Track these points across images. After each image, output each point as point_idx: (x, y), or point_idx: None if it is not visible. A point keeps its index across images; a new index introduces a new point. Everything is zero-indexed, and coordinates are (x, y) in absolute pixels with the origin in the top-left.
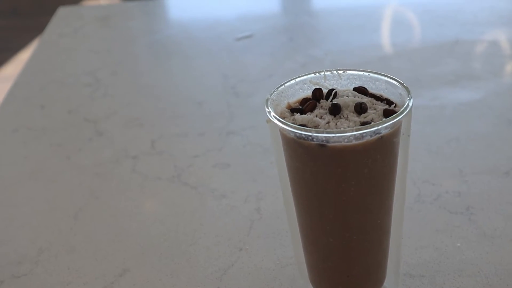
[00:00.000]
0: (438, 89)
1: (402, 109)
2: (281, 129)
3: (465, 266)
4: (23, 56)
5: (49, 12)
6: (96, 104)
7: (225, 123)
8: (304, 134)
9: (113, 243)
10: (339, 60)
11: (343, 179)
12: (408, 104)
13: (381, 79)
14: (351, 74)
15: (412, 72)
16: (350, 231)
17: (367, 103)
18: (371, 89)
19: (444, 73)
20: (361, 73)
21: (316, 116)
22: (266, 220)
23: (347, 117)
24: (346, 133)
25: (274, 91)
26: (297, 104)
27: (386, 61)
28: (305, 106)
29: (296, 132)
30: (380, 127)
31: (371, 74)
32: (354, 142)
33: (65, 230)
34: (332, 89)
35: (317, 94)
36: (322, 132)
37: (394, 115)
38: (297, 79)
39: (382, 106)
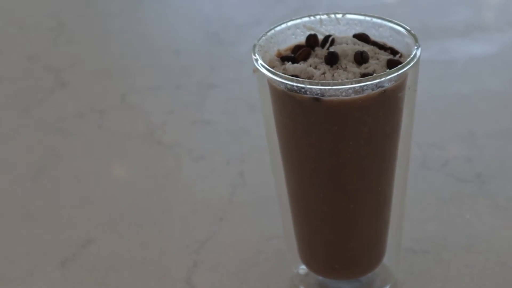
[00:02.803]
0: (447, 41)
1: (408, 60)
2: (270, 80)
3: (474, 241)
4: None
5: None
6: (59, 51)
7: (206, 75)
8: (296, 86)
9: (76, 210)
10: (336, 8)
11: (340, 139)
12: (415, 53)
13: (385, 25)
14: (350, 19)
15: (419, 21)
16: (347, 199)
17: (369, 52)
18: (374, 36)
19: (454, 23)
20: (362, 17)
21: (310, 65)
22: (250, 186)
23: (346, 67)
24: (344, 86)
25: (262, 36)
26: (289, 51)
27: (390, 8)
28: (298, 54)
29: (286, 84)
30: (383, 79)
31: (374, 19)
32: (353, 96)
33: (22, 193)
34: (329, 35)
35: (312, 40)
36: (317, 84)
37: (399, 66)
38: (289, 23)
39: (385, 56)
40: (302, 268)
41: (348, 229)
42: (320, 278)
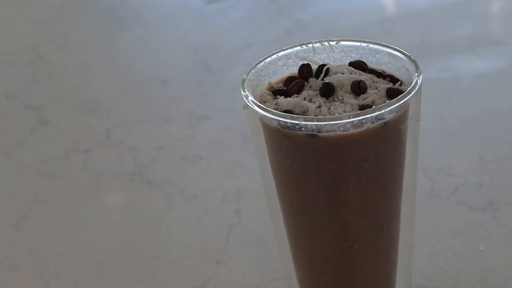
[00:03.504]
0: (451, 58)
1: (409, 88)
2: (262, 117)
3: (490, 274)
4: None
5: None
6: (40, 86)
7: (196, 105)
8: (290, 123)
9: (63, 258)
10: (331, 25)
11: (340, 177)
12: (416, 81)
13: (382, 50)
14: (346, 46)
15: (419, 37)
16: (350, 240)
17: (367, 81)
18: (371, 63)
19: (457, 38)
20: (358, 43)
21: (305, 99)
22: (248, 225)
23: (343, 99)
24: (342, 120)
25: (251, 70)
26: (281, 84)
27: (387, 24)
28: (291, 86)
29: (280, 120)
30: (383, 111)
31: (370, 45)
32: (352, 130)
33: (5, 243)
34: (323, 65)
35: (305, 71)
36: (312, 120)
37: (400, 96)
38: (280, 54)
39: (385, 85)
40: None
41: (353, 271)
42: None
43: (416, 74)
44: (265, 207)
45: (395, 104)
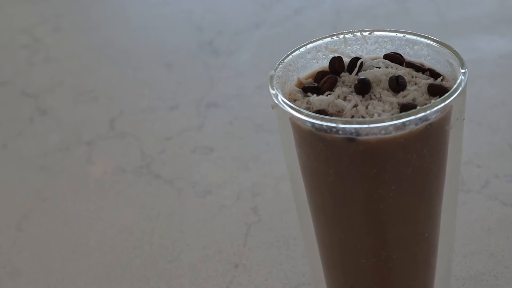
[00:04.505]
0: (471, 38)
1: (455, 86)
2: (293, 118)
3: None
4: None
5: None
6: (36, 72)
7: (203, 91)
8: (326, 125)
9: (69, 262)
10: (343, 2)
11: (380, 183)
12: (461, 78)
13: (420, 41)
14: (380, 36)
15: (436, 15)
16: (389, 249)
17: (405, 76)
18: (408, 56)
19: (477, 16)
20: (393, 34)
21: (339, 96)
22: (267, 223)
23: (380, 96)
24: (383, 123)
25: (279, 65)
26: (311, 80)
27: (403, 2)
28: (322, 83)
29: (314, 123)
30: (428, 112)
31: (407, 36)
32: (393, 133)
33: (6, 246)
34: (357, 58)
35: (337, 65)
36: (352, 123)
37: (446, 95)
38: (308, 46)
39: (425, 80)
40: None
41: (390, 281)
42: None
43: (462, 71)
44: (284, 204)
45: (441, 104)
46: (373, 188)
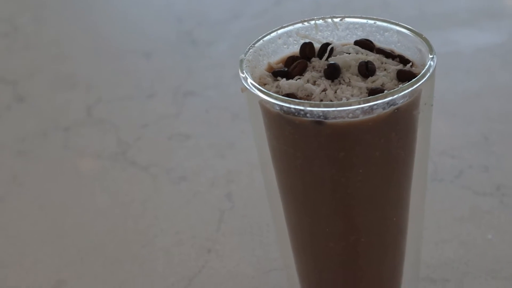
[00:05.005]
0: (450, 32)
1: (424, 71)
2: (262, 101)
3: (500, 265)
4: None
5: None
6: (15, 59)
7: (181, 80)
8: (294, 108)
9: (43, 246)
10: None
11: (347, 167)
12: (430, 64)
13: (391, 28)
14: (351, 23)
15: (416, 8)
16: (357, 233)
17: (375, 61)
18: (379, 43)
19: (455, 10)
20: (364, 21)
21: (308, 81)
22: (240, 210)
23: (349, 81)
24: (351, 106)
25: (249, 49)
26: (281, 64)
27: None
28: (292, 67)
29: (282, 105)
30: (396, 96)
31: (378, 22)
32: (361, 117)
33: None
34: (327, 44)
35: (307, 50)
36: (319, 106)
37: (414, 80)
38: (279, 31)
39: (394, 66)
40: None
41: (359, 265)
42: None
43: (430, 56)
44: (258, 191)
45: (409, 89)
46: (341, 172)
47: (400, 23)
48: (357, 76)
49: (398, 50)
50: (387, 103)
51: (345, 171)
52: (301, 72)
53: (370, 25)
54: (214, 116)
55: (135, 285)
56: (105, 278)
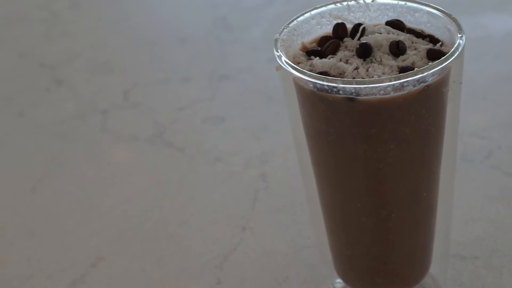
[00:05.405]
0: (480, 16)
1: (453, 49)
2: (296, 79)
3: None
4: None
5: None
6: (54, 45)
7: (216, 64)
8: (327, 85)
9: (82, 225)
10: None
11: (379, 142)
12: (459, 42)
13: (421, 9)
14: (382, 4)
15: None
16: (388, 208)
17: (405, 41)
18: (409, 23)
19: None
20: (395, 2)
21: (341, 60)
22: (275, 189)
23: (381, 60)
24: (382, 83)
25: (284, 29)
26: (315, 44)
27: None
28: (325, 47)
29: (316, 83)
30: (425, 73)
31: (408, 3)
32: (392, 94)
33: (21, 209)
34: (359, 24)
35: (340, 30)
36: (351, 82)
37: (443, 58)
38: (313, 12)
39: (424, 45)
40: (339, 282)
41: (390, 240)
42: None
43: (459, 35)
44: (292, 171)
45: (438, 67)
46: (373, 148)
47: (430, 3)
48: (388, 55)
49: (428, 30)
50: (417, 80)
51: (376, 147)
52: (334, 51)
53: (401, 6)
54: (248, 99)
55: (171, 263)
56: (142, 256)
